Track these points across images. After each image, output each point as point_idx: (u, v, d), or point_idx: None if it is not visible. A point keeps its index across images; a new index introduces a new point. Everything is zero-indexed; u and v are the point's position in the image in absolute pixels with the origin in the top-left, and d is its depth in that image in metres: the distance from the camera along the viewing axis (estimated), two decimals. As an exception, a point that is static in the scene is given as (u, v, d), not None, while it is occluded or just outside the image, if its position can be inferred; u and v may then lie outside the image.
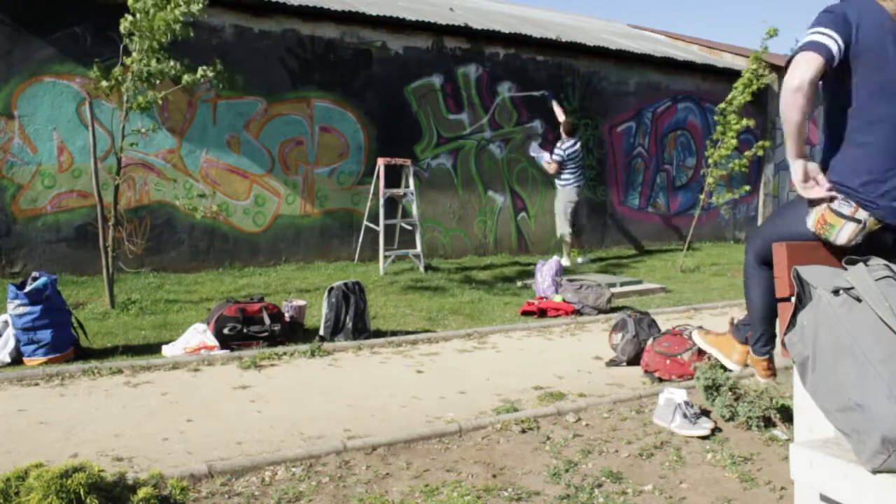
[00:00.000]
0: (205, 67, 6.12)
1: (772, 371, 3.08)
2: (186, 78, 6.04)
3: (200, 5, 5.90)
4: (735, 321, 3.26)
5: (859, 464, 1.77)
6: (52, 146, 7.61)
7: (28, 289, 4.73)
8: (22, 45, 7.42)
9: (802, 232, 2.45)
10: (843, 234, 2.34)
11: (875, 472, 1.73)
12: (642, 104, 12.14)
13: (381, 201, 8.63)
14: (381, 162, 8.73)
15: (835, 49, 2.27)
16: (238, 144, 8.63)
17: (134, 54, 5.89)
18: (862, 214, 2.33)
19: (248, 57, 8.51)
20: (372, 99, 9.50)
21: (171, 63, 5.91)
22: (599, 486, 3.10)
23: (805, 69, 2.26)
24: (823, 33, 2.28)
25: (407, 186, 8.93)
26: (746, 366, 3.25)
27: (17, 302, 4.70)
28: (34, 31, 7.46)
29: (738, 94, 9.03)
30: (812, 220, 2.40)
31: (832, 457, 1.85)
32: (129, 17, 5.84)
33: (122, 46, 6.03)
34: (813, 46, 2.28)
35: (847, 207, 2.34)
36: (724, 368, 3.83)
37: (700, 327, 3.72)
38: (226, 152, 8.57)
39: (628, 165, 12.08)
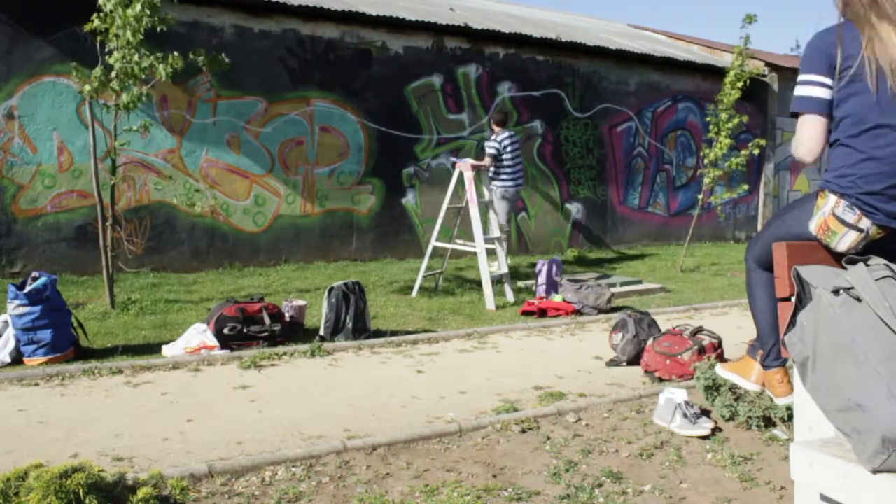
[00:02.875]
0: (175, 55, 5.83)
1: (788, 384, 2.84)
2: (161, 70, 5.82)
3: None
4: (751, 342, 3.20)
5: (859, 464, 1.76)
6: (52, 146, 7.61)
7: (28, 289, 4.73)
8: (22, 45, 7.42)
9: (803, 233, 2.44)
10: (845, 241, 2.33)
11: (875, 472, 1.72)
12: (642, 104, 12.14)
13: (475, 212, 7.14)
14: (462, 166, 7.30)
15: (828, 96, 2.33)
16: (238, 144, 8.64)
17: (115, 52, 5.84)
18: (865, 223, 2.31)
19: (248, 57, 8.51)
20: (372, 99, 9.51)
21: (155, 56, 5.80)
22: (599, 486, 3.10)
23: (812, 137, 2.35)
24: (816, 83, 2.34)
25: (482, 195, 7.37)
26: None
27: (17, 302, 4.70)
28: (34, 31, 7.46)
29: (728, 91, 9.03)
30: (815, 225, 2.39)
31: (832, 457, 1.84)
32: (96, 17, 5.78)
33: (98, 45, 5.98)
34: (811, 106, 2.34)
35: (851, 215, 2.32)
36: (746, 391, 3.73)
37: (719, 359, 3.63)
38: (226, 152, 8.57)
39: (628, 165, 12.08)
